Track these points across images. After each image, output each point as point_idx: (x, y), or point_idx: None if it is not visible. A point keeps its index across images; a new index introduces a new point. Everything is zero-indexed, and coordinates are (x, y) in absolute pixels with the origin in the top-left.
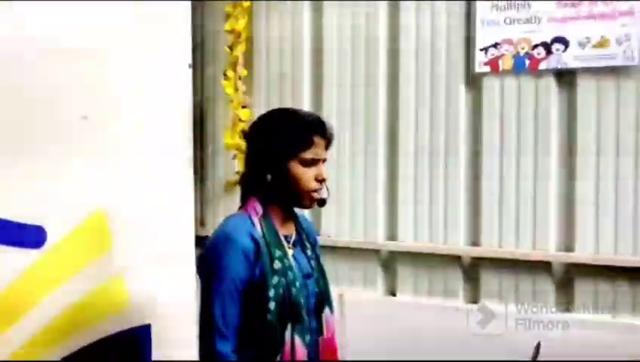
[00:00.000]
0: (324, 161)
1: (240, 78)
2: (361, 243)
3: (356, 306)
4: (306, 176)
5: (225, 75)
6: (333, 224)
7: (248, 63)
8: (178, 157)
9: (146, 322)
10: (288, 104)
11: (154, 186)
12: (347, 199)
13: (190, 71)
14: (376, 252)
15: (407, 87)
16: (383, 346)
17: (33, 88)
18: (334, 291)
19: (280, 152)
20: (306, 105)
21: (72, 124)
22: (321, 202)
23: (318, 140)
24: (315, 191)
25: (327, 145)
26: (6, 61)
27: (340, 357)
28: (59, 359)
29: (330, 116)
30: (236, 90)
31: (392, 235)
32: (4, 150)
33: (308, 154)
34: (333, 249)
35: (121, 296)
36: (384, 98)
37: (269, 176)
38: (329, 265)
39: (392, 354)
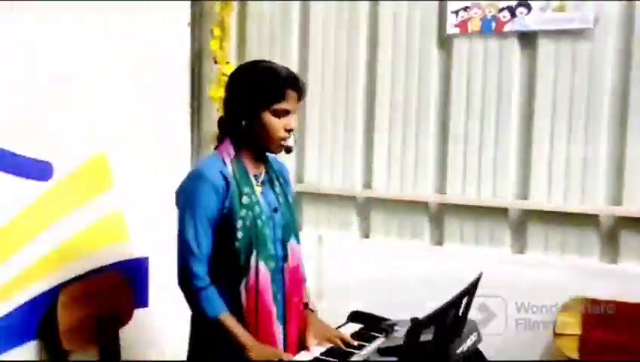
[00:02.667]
0: (294, 112)
1: (226, 36)
2: (339, 190)
3: (334, 247)
4: (277, 125)
5: (212, 32)
6: (315, 172)
7: (242, 25)
8: (177, 105)
9: (144, 255)
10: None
11: (154, 132)
12: (328, 150)
13: (188, 28)
14: (353, 199)
15: (386, 47)
16: (357, 281)
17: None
18: (315, 234)
19: (255, 103)
20: (294, 62)
21: (84, 72)
22: (288, 149)
23: (291, 94)
24: (284, 139)
25: (299, 99)
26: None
27: (319, 288)
28: (59, 283)
29: (315, 74)
30: (221, 47)
31: (367, 184)
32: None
33: (280, 106)
34: (314, 195)
35: (121, 230)
36: (364, 57)
37: (243, 123)
38: (310, 210)
39: (365, 288)
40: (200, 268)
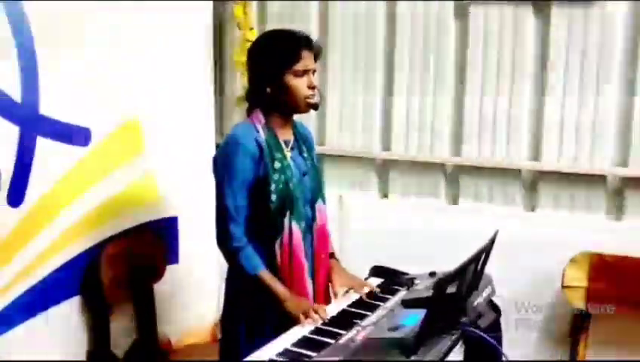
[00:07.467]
0: (314, 71)
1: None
2: (359, 152)
3: (354, 206)
4: (300, 85)
5: None
6: (336, 136)
7: None
8: (200, 74)
9: (174, 214)
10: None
11: (180, 99)
12: (348, 114)
13: None
14: (373, 160)
15: (404, 14)
16: (377, 238)
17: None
18: (336, 194)
19: (276, 68)
20: (314, 24)
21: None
22: (315, 106)
23: (306, 53)
24: (308, 97)
25: (316, 58)
26: None
27: (340, 245)
28: (100, 240)
29: (335, 40)
30: (245, 13)
31: (386, 146)
32: (59, 62)
33: (299, 67)
34: (335, 157)
35: (153, 191)
36: (382, 26)
37: (269, 89)
38: (332, 171)
39: (384, 245)
40: (238, 230)
